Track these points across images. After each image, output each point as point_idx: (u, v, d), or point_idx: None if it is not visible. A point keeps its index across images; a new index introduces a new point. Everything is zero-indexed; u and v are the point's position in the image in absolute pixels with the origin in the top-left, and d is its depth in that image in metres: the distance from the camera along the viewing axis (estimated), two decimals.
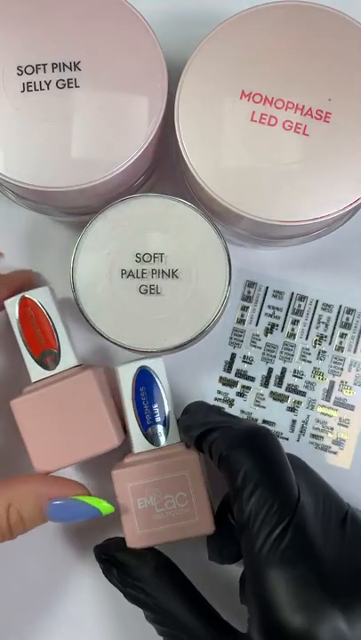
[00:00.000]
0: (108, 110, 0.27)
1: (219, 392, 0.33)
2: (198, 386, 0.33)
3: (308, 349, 0.33)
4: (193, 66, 0.27)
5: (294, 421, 0.33)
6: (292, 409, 0.33)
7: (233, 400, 0.33)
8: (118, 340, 0.28)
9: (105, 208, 0.28)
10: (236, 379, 0.33)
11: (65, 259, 0.29)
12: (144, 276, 0.28)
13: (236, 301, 0.33)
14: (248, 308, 0.33)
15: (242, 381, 0.33)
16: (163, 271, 0.28)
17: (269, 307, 0.33)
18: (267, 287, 0.33)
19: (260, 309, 0.33)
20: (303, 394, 0.33)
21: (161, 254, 0.28)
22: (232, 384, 0.33)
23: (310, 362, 0.33)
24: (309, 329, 0.33)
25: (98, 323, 0.28)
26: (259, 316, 0.33)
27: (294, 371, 0.33)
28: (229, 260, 0.28)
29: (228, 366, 0.33)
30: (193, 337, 0.28)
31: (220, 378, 0.33)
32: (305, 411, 0.33)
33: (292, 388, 0.33)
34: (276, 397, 0.33)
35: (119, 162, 0.26)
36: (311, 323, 0.33)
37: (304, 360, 0.33)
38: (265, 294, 0.33)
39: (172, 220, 0.28)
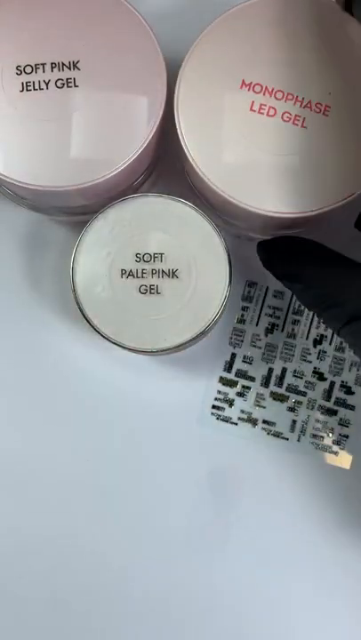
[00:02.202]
0: (107, 109, 0.27)
1: (219, 392, 0.33)
2: (198, 386, 0.33)
3: (308, 349, 0.33)
4: (193, 57, 0.27)
5: (295, 421, 0.33)
6: (292, 409, 0.33)
7: (233, 400, 0.33)
8: (118, 340, 0.28)
9: (105, 208, 0.28)
10: (237, 379, 0.33)
11: (65, 259, 0.29)
12: (144, 276, 0.28)
13: (237, 301, 0.33)
14: (248, 308, 0.33)
15: (242, 381, 0.33)
16: (163, 271, 0.28)
17: (270, 307, 0.33)
18: (267, 287, 0.33)
19: (261, 309, 0.33)
20: (303, 394, 0.33)
21: (161, 254, 0.28)
22: (232, 384, 0.33)
23: (311, 362, 0.33)
24: (310, 329, 0.33)
25: (98, 323, 0.28)
26: (259, 316, 0.33)
27: (295, 371, 0.33)
28: (229, 260, 0.28)
29: (229, 366, 0.33)
30: (193, 337, 0.28)
31: (221, 378, 0.33)
32: (305, 411, 0.33)
33: (293, 388, 0.33)
34: (277, 397, 0.33)
35: (119, 161, 0.26)
36: (311, 323, 0.33)
37: (304, 360, 0.33)
38: (265, 294, 0.33)
39: (172, 220, 0.28)
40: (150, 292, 0.28)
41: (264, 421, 0.33)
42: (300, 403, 0.33)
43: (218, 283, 0.28)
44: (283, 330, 0.33)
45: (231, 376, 0.33)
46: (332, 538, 0.32)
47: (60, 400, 0.33)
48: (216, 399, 0.33)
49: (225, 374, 0.33)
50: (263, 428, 0.33)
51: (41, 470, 0.33)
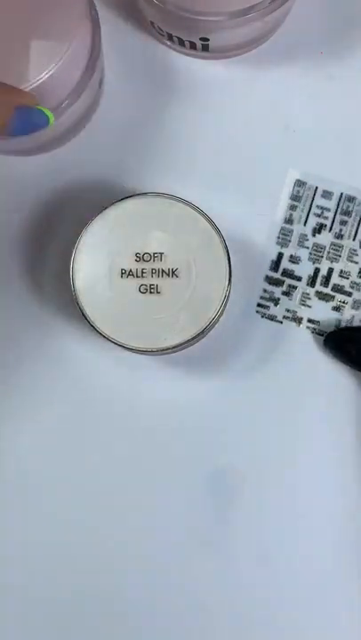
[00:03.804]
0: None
1: (265, 291, 0.33)
2: (198, 385, 0.33)
3: (355, 250, 0.33)
4: None
5: (339, 321, 0.33)
6: (337, 308, 0.33)
7: (279, 299, 0.33)
8: (118, 339, 0.28)
9: (104, 208, 0.28)
10: (283, 278, 0.33)
11: (65, 259, 0.29)
12: (144, 275, 0.28)
13: (237, 301, 0.33)
14: (297, 207, 0.33)
15: (288, 280, 0.33)
16: (162, 271, 0.28)
17: (318, 207, 0.33)
18: (316, 187, 0.33)
19: (309, 209, 0.33)
20: (349, 294, 0.33)
21: (161, 254, 0.28)
22: (278, 283, 0.33)
23: (357, 262, 0.33)
24: (357, 230, 0.33)
25: (98, 323, 0.28)
26: (307, 215, 0.33)
27: (341, 271, 0.33)
28: (229, 260, 0.28)
29: (275, 265, 0.33)
30: (193, 337, 0.28)
31: (267, 277, 0.33)
32: (350, 311, 0.33)
33: (338, 288, 0.33)
34: (322, 297, 0.33)
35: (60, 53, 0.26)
36: (359, 224, 0.32)
37: (351, 261, 0.33)
38: (314, 194, 0.33)
39: (171, 220, 0.28)
40: (150, 292, 0.28)
41: (309, 320, 0.33)
42: (345, 303, 0.33)
43: (218, 283, 0.28)
44: (330, 230, 0.33)
45: (278, 275, 0.33)
46: (331, 537, 0.32)
47: (60, 400, 0.33)
48: (261, 297, 0.33)
49: (271, 273, 0.33)
50: (307, 327, 0.33)
51: (40, 470, 0.33)
